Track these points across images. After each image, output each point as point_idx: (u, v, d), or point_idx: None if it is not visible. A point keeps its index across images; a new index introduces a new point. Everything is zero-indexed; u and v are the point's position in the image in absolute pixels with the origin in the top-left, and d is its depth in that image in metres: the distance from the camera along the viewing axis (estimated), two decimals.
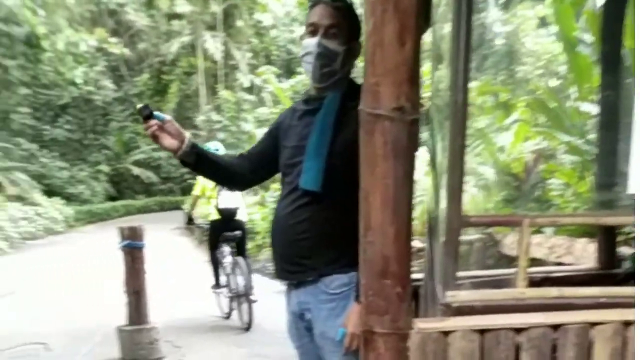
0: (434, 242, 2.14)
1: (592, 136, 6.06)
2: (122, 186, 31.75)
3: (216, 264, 7.32)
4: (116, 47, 30.15)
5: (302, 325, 2.37)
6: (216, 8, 29.29)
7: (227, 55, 29.59)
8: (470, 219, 1.78)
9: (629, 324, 1.73)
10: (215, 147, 7.14)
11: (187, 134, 2.33)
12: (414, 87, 1.64)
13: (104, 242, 15.72)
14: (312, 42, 2.25)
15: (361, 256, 1.79)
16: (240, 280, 6.89)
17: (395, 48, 1.62)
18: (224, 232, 7.09)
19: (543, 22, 14.27)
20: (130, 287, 6.10)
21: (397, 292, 1.73)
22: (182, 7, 29.32)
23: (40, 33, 24.89)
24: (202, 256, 13.76)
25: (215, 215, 7.13)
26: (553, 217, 2.23)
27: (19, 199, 20.91)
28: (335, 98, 2.29)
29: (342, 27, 2.26)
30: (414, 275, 1.84)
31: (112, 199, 29.77)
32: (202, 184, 7.26)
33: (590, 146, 6.14)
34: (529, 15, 15.36)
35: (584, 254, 5.32)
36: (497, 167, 8.14)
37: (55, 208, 22.47)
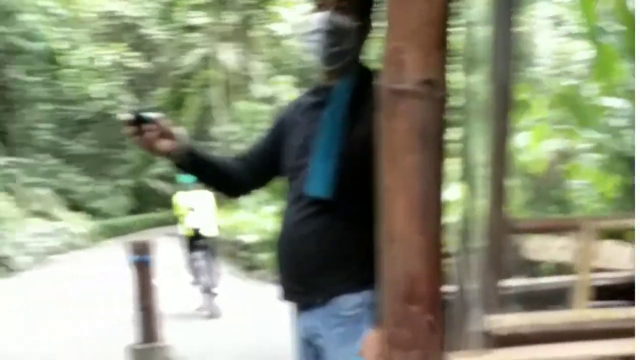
0: (465, 249, 1.77)
1: (619, 132, 5.71)
2: (142, 200, 31.77)
3: (192, 265, 8.93)
4: (135, 61, 30.15)
5: (310, 353, 2.07)
6: (231, 19, 29.14)
7: (243, 66, 29.42)
8: (517, 225, 1.41)
9: None
10: (183, 179, 8.55)
11: (180, 129, 2.02)
12: (444, 55, 1.29)
13: (124, 257, 15.52)
14: (320, 18, 1.97)
15: (381, 275, 1.47)
16: (207, 278, 8.66)
17: (420, 2, 1.26)
18: (194, 242, 8.76)
19: (556, 21, 13.92)
20: (140, 303, 5.92)
21: (427, 321, 1.39)
22: (198, 20, 29.22)
23: (59, 49, 24.99)
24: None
25: (186, 231, 8.84)
26: (618, 219, 1.85)
27: (42, 214, 20.91)
28: (346, 86, 2.00)
29: (353, 0, 1.98)
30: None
31: (133, 212, 29.88)
32: (178, 204, 8.91)
33: (617, 143, 5.76)
34: (539, 14, 14.99)
35: (614, 257, 4.93)
36: (516, 169, 7.77)
37: (77, 223, 22.48)
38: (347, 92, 1.98)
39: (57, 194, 23.78)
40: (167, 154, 1.99)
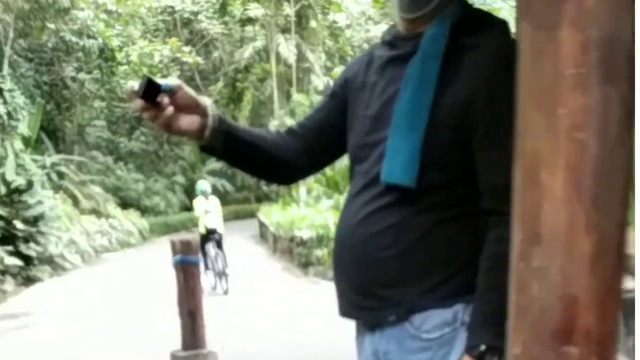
0: None
1: None
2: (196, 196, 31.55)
3: (205, 255, 10.85)
4: (190, 56, 29.93)
5: None
6: (289, 10, 28.57)
7: (301, 58, 28.87)
8: None
9: None
10: (202, 188, 11.50)
11: (208, 101, 1.53)
12: None
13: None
14: None
15: (510, 296, 0.92)
16: (220, 264, 10.85)
17: None
18: (209, 237, 11.12)
19: None
20: (185, 308, 5.47)
21: None
22: (255, 11, 28.80)
23: (114, 45, 24.92)
24: (275, 264, 13.20)
25: (202, 230, 11.23)
26: None
27: (94, 212, 20.95)
28: (440, 33, 1.50)
29: None
30: None
31: (187, 209, 29.61)
32: (196, 208, 11.45)
33: None
34: None
35: None
36: None
37: (130, 220, 22.56)
38: (441, 39, 1.48)
39: (110, 192, 23.93)
40: (191, 134, 1.50)
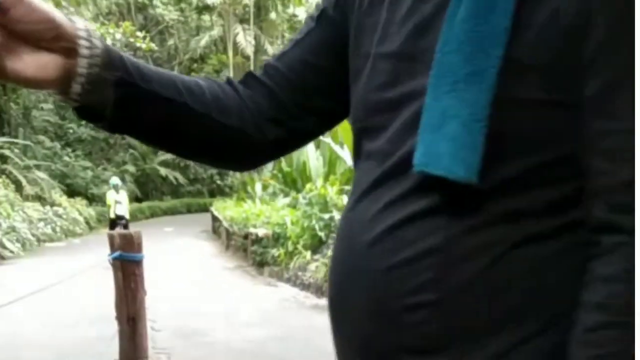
0: None
1: None
2: (148, 187, 31.31)
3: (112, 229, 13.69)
4: (144, 42, 28.94)
5: None
6: (248, 0, 27.89)
7: (260, 49, 28.23)
8: None
9: None
10: (114, 183, 16.33)
11: (82, 26, 0.77)
12: None
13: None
14: None
15: None
16: None
17: None
18: (117, 222, 14.99)
19: None
20: (123, 313, 4.78)
21: None
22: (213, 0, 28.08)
23: None
24: (228, 263, 12.72)
25: (112, 215, 15.42)
26: None
27: (38, 199, 20.35)
28: None
29: None
30: None
31: (137, 200, 29.24)
32: (108, 198, 15.66)
33: None
34: None
35: None
36: None
37: (77, 209, 21.92)
38: None
39: (56, 178, 23.28)
40: (45, 84, 0.79)
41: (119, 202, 15.26)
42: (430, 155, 0.79)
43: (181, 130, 0.92)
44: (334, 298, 0.92)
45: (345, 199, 11.26)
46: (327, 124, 1.06)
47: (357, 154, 0.95)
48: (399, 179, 0.84)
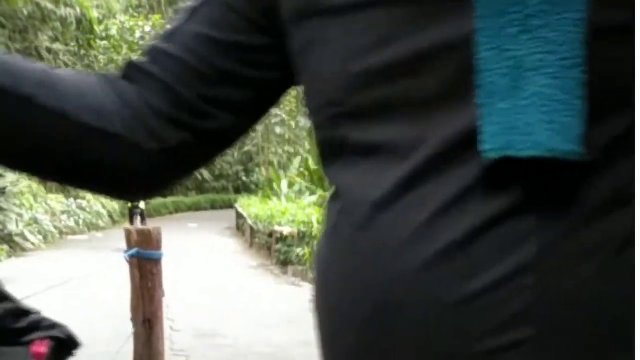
0: None
1: None
2: None
3: (131, 222, 15.53)
4: None
5: None
6: None
7: None
8: None
9: None
10: None
11: None
12: None
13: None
14: None
15: None
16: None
17: None
18: (133, 210, 16.36)
19: None
20: (139, 314, 4.47)
21: None
22: None
23: (92, 17, 24.06)
24: (251, 261, 12.57)
25: (130, 205, 16.28)
26: None
27: (62, 191, 20.11)
28: None
29: None
30: None
31: (164, 196, 29.00)
32: None
33: None
34: None
35: None
36: None
37: (101, 202, 21.81)
38: None
39: None
40: None
41: None
42: (509, 132, 0.54)
43: (42, 144, 0.66)
44: (355, 344, 0.62)
45: None
46: (250, 118, 0.76)
47: (334, 152, 0.66)
48: (448, 173, 0.57)
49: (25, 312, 1.38)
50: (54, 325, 1.40)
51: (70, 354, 1.41)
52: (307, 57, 0.65)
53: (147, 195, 0.78)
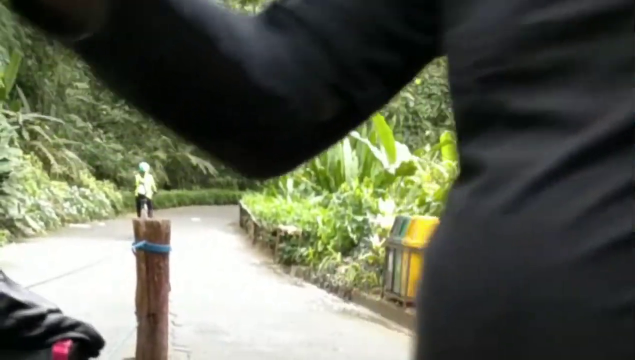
0: None
1: None
2: (177, 175, 31.48)
3: (139, 210, 17.48)
4: None
5: None
6: None
7: None
8: None
9: None
10: (142, 168, 19.72)
11: None
12: None
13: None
14: None
15: None
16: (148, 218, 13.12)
17: None
18: (140, 199, 17.70)
19: None
20: (144, 307, 4.32)
21: None
22: None
23: None
24: (251, 258, 12.49)
25: (137, 194, 18.40)
26: None
27: (66, 178, 20.29)
28: None
29: None
30: None
31: (166, 187, 29.36)
32: (135, 179, 19.15)
33: None
34: None
35: None
36: None
37: (104, 192, 22.03)
38: None
39: (85, 159, 23.35)
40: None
41: (142, 183, 18.08)
42: None
43: (197, 86, 0.56)
44: (472, 348, 0.51)
45: (381, 202, 11.01)
46: (391, 91, 0.63)
47: (481, 122, 0.55)
48: (627, 154, 0.47)
49: (42, 316, 1.31)
50: (75, 325, 1.32)
51: (93, 353, 1.33)
52: (466, 5, 0.55)
53: (273, 173, 0.68)
